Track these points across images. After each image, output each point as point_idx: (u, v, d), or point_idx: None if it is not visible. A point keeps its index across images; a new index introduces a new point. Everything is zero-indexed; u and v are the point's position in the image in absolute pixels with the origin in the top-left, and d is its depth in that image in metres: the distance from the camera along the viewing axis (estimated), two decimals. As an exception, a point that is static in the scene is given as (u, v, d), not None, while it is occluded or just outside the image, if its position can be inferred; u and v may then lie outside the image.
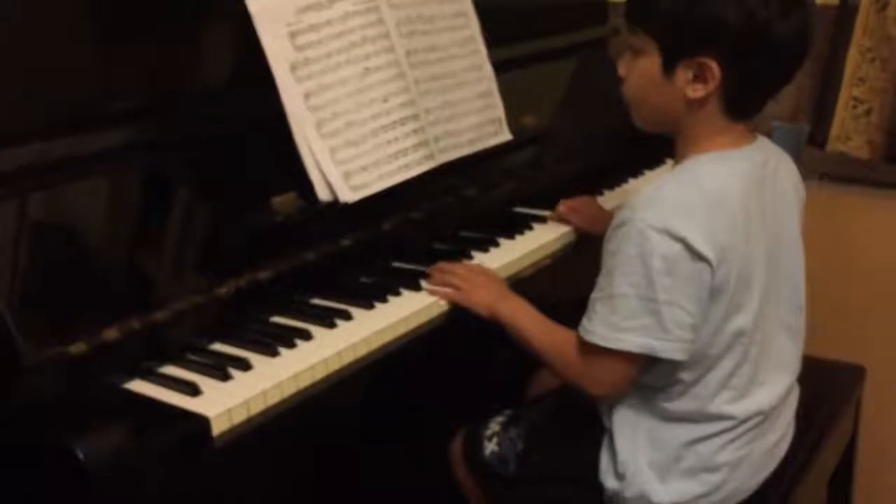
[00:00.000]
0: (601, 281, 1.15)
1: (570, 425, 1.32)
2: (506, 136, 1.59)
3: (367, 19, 1.39)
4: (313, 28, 1.32)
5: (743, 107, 1.16)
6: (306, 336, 1.18)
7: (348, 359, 1.17)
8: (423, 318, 1.27)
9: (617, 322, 1.12)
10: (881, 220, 1.95)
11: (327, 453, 1.45)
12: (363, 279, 1.35)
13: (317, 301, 1.28)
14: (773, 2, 1.08)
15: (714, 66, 1.10)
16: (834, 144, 1.88)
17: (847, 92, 1.85)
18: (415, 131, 1.44)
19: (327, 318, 1.22)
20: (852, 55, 1.83)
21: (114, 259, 1.14)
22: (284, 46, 1.28)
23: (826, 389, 1.53)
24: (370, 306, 1.26)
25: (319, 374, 1.13)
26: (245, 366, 1.11)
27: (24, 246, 1.06)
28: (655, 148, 1.79)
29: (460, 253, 1.42)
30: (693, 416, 1.20)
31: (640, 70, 1.17)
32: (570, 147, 1.77)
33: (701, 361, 1.17)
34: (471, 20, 1.56)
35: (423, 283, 1.32)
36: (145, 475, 0.98)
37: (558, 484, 1.31)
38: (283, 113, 1.28)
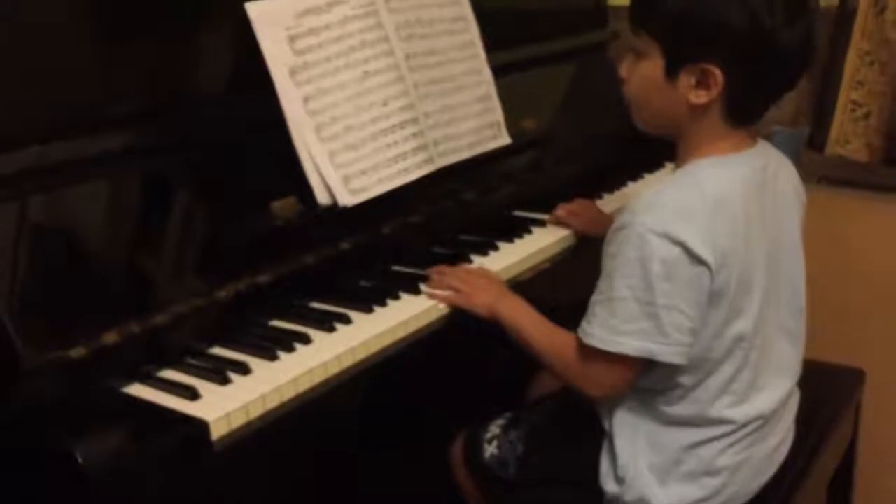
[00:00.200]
0: (601, 284, 1.15)
1: (570, 428, 1.32)
2: (505, 139, 1.60)
3: (367, 23, 1.39)
4: (312, 32, 1.32)
5: (745, 113, 1.16)
6: (305, 340, 1.18)
7: (347, 363, 1.17)
8: (423, 322, 1.27)
9: (616, 325, 1.12)
10: (880, 224, 1.95)
11: (326, 457, 1.45)
12: (362, 283, 1.35)
13: (316, 305, 1.28)
14: (779, 9, 1.08)
15: (717, 72, 1.10)
16: (833, 148, 1.88)
17: (846, 95, 1.85)
18: (414, 135, 1.44)
19: (326, 322, 1.22)
20: (851, 58, 1.83)
21: (113, 263, 1.14)
22: (283, 50, 1.28)
23: (826, 393, 1.53)
24: (369, 310, 1.26)
25: (318, 379, 1.13)
26: (244, 370, 1.11)
27: (24, 249, 1.06)
28: (655, 151, 1.79)
29: (459, 257, 1.42)
30: (693, 421, 1.20)
31: (642, 73, 1.16)
32: (570, 151, 1.77)
33: (701, 366, 1.17)
34: (470, 24, 1.56)
35: (423, 287, 1.32)
36: (144, 479, 0.98)
37: (558, 487, 1.31)
38: (283, 117, 1.28)
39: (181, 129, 1.24)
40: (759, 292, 1.17)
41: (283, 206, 1.30)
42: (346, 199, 1.33)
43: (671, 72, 1.13)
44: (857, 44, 1.82)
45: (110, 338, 1.06)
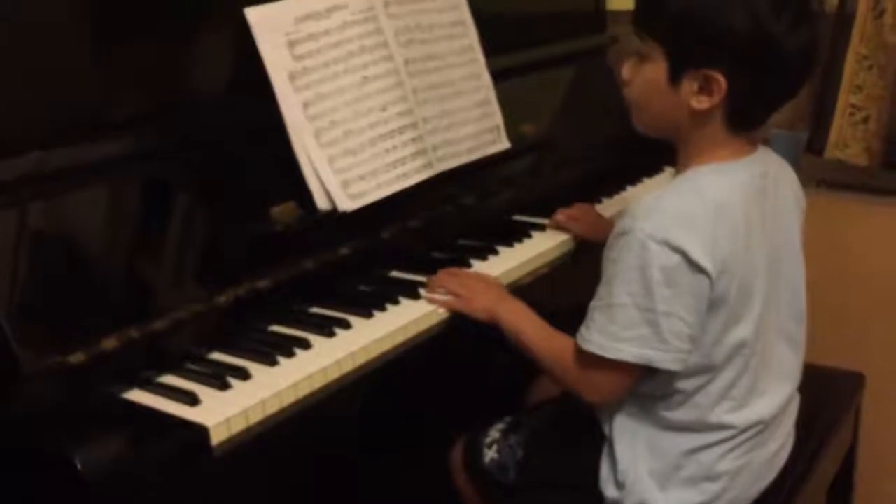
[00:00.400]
0: (601, 290, 1.15)
1: (569, 433, 1.32)
2: (504, 144, 1.60)
3: (366, 29, 1.39)
4: (312, 37, 1.32)
5: (747, 120, 1.15)
6: (305, 345, 1.18)
7: (347, 368, 1.17)
8: (422, 327, 1.27)
9: (615, 332, 1.12)
10: (879, 227, 1.95)
11: (326, 462, 1.45)
12: (362, 288, 1.35)
13: (315, 310, 1.28)
14: (785, 17, 1.08)
15: (721, 78, 1.09)
16: (832, 151, 1.88)
17: (845, 99, 1.85)
18: (413, 140, 1.44)
19: (326, 327, 1.22)
20: (849, 62, 1.83)
21: (112, 268, 1.15)
22: (283, 56, 1.29)
23: (825, 397, 1.53)
24: (369, 315, 1.26)
25: (318, 384, 1.13)
26: (244, 375, 1.11)
27: (24, 255, 1.06)
28: (654, 156, 1.80)
29: (459, 261, 1.42)
30: (693, 426, 1.19)
31: (644, 76, 1.16)
32: (569, 155, 1.78)
33: (702, 371, 1.17)
34: (469, 29, 1.56)
35: (423, 292, 1.32)
36: (144, 485, 0.98)
37: (558, 491, 1.31)
38: (282, 122, 1.28)
39: (181, 134, 1.24)
40: (759, 298, 1.17)
41: (283, 212, 1.30)
42: (346, 204, 1.33)
43: (674, 76, 1.13)
44: (856, 48, 1.83)
45: (110, 343, 1.06)
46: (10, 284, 1.03)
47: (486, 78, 1.58)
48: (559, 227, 1.55)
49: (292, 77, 1.29)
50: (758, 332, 1.18)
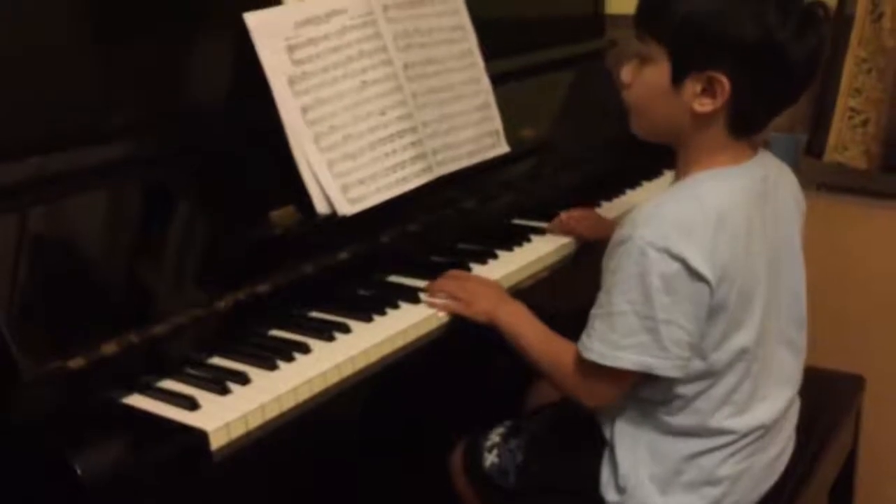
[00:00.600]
0: (601, 298, 1.15)
1: (569, 437, 1.32)
2: (503, 148, 1.60)
3: (365, 33, 1.39)
4: (311, 42, 1.32)
5: (748, 124, 1.15)
6: (305, 349, 1.18)
7: (347, 372, 1.17)
8: (422, 331, 1.27)
9: (615, 340, 1.12)
10: (879, 230, 1.95)
11: (326, 466, 1.45)
12: (361, 292, 1.36)
13: (315, 314, 1.28)
14: (791, 23, 1.08)
15: (725, 80, 1.09)
16: (831, 155, 1.88)
17: (844, 102, 1.85)
18: (412, 144, 1.44)
19: (326, 332, 1.22)
20: (848, 66, 1.84)
21: (112, 273, 1.15)
22: (282, 60, 1.29)
23: (826, 400, 1.53)
24: (369, 319, 1.26)
25: (318, 388, 1.13)
26: (244, 379, 1.11)
27: (23, 260, 1.06)
28: (653, 159, 1.80)
29: (459, 265, 1.42)
30: (694, 431, 1.19)
31: (646, 79, 1.15)
32: (568, 159, 1.78)
33: (703, 377, 1.17)
34: (468, 33, 1.56)
35: (423, 296, 1.32)
36: (143, 489, 0.98)
37: (558, 495, 1.31)
38: (282, 126, 1.28)
39: (180, 138, 1.24)
40: (760, 303, 1.17)
41: (282, 216, 1.30)
42: (345, 209, 1.33)
43: (677, 78, 1.12)
44: (855, 51, 1.83)
45: (109, 348, 1.06)
46: (9, 289, 1.03)
47: (486, 82, 1.58)
48: (562, 230, 1.55)
49: (291, 82, 1.29)
50: (759, 337, 1.18)
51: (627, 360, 1.12)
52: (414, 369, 1.26)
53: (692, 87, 1.11)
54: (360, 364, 1.18)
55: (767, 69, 1.09)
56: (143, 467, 0.98)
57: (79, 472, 0.92)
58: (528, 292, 1.42)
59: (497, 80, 1.60)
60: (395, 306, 1.30)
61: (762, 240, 1.17)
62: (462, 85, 1.54)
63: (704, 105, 1.12)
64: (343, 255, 1.33)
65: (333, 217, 1.32)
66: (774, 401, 1.24)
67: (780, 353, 1.25)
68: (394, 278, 1.40)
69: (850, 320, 1.96)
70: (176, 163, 1.23)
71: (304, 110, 1.30)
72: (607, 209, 1.71)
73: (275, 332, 1.24)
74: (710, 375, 1.17)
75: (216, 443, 1.02)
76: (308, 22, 1.32)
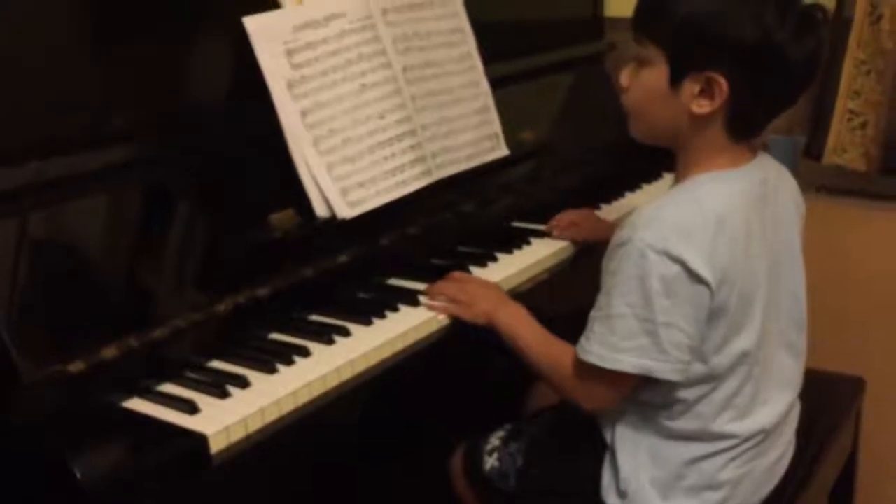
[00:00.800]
0: (600, 300, 1.15)
1: (570, 440, 1.32)
2: (503, 151, 1.60)
3: (364, 37, 1.39)
4: (310, 46, 1.32)
5: (746, 126, 1.15)
6: (304, 353, 1.18)
7: (346, 375, 1.17)
8: (422, 334, 1.27)
9: (615, 343, 1.12)
10: (878, 232, 1.95)
11: (326, 470, 1.45)
12: (361, 295, 1.36)
13: (315, 318, 1.28)
14: (790, 24, 1.08)
15: (723, 81, 1.09)
16: (830, 157, 1.88)
17: (843, 104, 1.86)
18: (412, 147, 1.44)
19: (325, 335, 1.22)
20: (847, 68, 1.84)
21: (112, 277, 1.15)
22: (281, 64, 1.29)
23: (826, 402, 1.53)
24: (368, 322, 1.26)
25: (317, 391, 1.13)
26: (243, 383, 1.11)
27: (23, 264, 1.06)
28: (653, 162, 1.80)
29: (458, 268, 1.42)
30: (695, 435, 1.19)
31: (644, 81, 1.15)
32: (568, 162, 1.78)
33: (704, 381, 1.16)
34: (467, 36, 1.56)
35: (423, 298, 1.32)
36: (143, 493, 0.98)
37: (558, 499, 1.31)
38: (281, 130, 1.28)
39: (180, 142, 1.24)
40: (760, 307, 1.17)
41: (282, 219, 1.30)
42: (345, 212, 1.33)
43: (675, 79, 1.12)
44: (854, 53, 1.83)
45: (109, 352, 1.06)
46: (9, 293, 1.03)
47: (485, 85, 1.58)
48: (560, 235, 1.55)
49: (290, 85, 1.29)
50: (760, 341, 1.18)
51: (627, 362, 1.12)
52: (413, 372, 1.26)
53: (690, 88, 1.11)
54: (360, 367, 1.18)
55: (766, 70, 1.09)
56: (143, 471, 0.98)
57: (78, 475, 0.92)
58: (528, 295, 1.43)
59: (496, 83, 1.60)
60: (395, 309, 1.30)
61: (762, 243, 1.17)
62: (461, 88, 1.54)
63: (703, 106, 1.11)
64: (342, 259, 1.33)
65: (333, 220, 1.32)
66: (775, 405, 1.24)
67: (780, 357, 1.25)
68: (393, 281, 1.40)
69: (849, 322, 1.96)
70: (175, 166, 1.23)
71: (304, 114, 1.30)
72: (607, 212, 1.71)
73: (274, 336, 1.24)
74: (712, 379, 1.17)
75: (216, 446, 1.02)
76: (307, 26, 1.33)
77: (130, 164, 1.18)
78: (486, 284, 1.37)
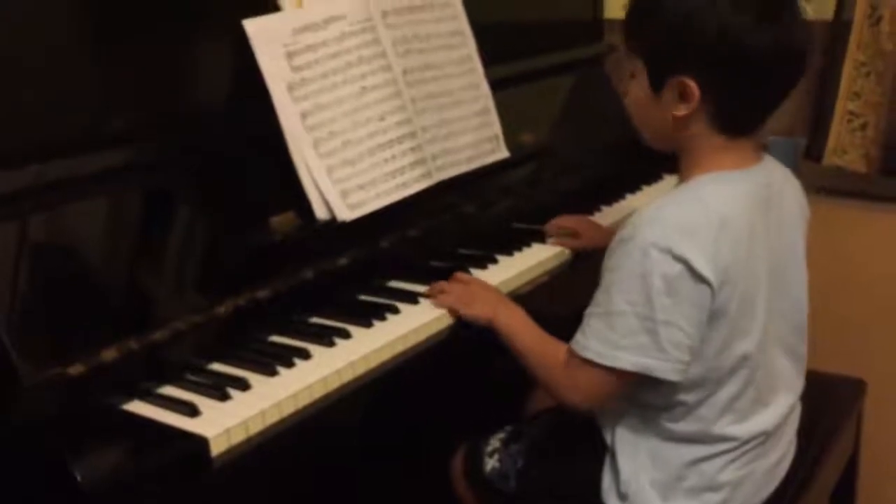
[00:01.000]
0: (599, 296, 1.15)
1: (570, 442, 1.32)
2: (503, 153, 1.60)
3: (363, 39, 1.40)
4: (310, 48, 1.33)
5: (735, 124, 1.15)
6: (305, 355, 1.18)
7: (347, 378, 1.17)
8: (422, 336, 1.27)
9: (614, 340, 1.12)
10: (879, 234, 1.95)
11: (327, 472, 1.45)
12: (361, 297, 1.36)
13: (315, 320, 1.28)
14: (747, 15, 1.08)
15: (692, 84, 1.10)
16: (830, 158, 1.88)
17: (843, 106, 1.86)
18: (412, 149, 1.44)
19: (326, 337, 1.22)
20: (847, 69, 1.84)
21: (112, 280, 1.15)
22: (281, 66, 1.29)
23: (826, 404, 1.53)
24: (369, 325, 1.26)
25: (318, 394, 1.13)
26: (244, 386, 1.11)
27: (23, 267, 1.06)
28: (653, 163, 1.80)
29: (458, 270, 1.42)
30: (696, 437, 1.19)
31: (634, 91, 1.18)
32: (568, 163, 1.78)
33: (704, 384, 1.16)
34: (467, 39, 1.57)
35: (424, 292, 1.32)
36: (143, 496, 0.98)
37: (558, 501, 1.31)
38: (281, 132, 1.29)
39: (180, 145, 1.24)
40: (762, 310, 1.17)
41: (282, 222, 1.30)
42: (345, 214, 1.33)
43: (655, 87, 1.14)
44: (853, 55, 1.83)
45: (109, 354, 1.06)
46: (9, 296, 1.03)
47: (485, 87, 1.58)
48: (559, 243, 1.55)
49: (290, 88, 1.30)
50: (761, 344, 1.17)
51: (626, 360, 1.12)
52: (414, 374, 1.26)
53: (669, 94, 1.13)
54: (361, 369, 1.18)
55: (729, 65, 1.10)
56: (143, 473, 0.97)
57: (79, 478, 0.92)
58: (528, 297, 1.42)
59: (496, 85, 1.60)
60: (396, 311, 1.30)
61: (765, 245, 1.16)
62: (461, 90, 1.54)
63: (680, 110, 1.13)
64: (343, 261, 1.33)
65: (333, 222, 1.33)
66: (776, 407, 1.24)
67: (781, 360, 1.24)
68: (394, 283, 1.40)
69: (850, 324, 1.96)
70: (176, 168, 1.23)
71: (304, 116, 1.30)
72: (607, 214, 1.71)
73: (275, 338, 1.24)
74: (713, 382, 1.17)
75: (216, 449, 1.02)
76: (307, 28, 1.33)
77: (130, 166, 1.18)
78: (487, 286, 1.37)
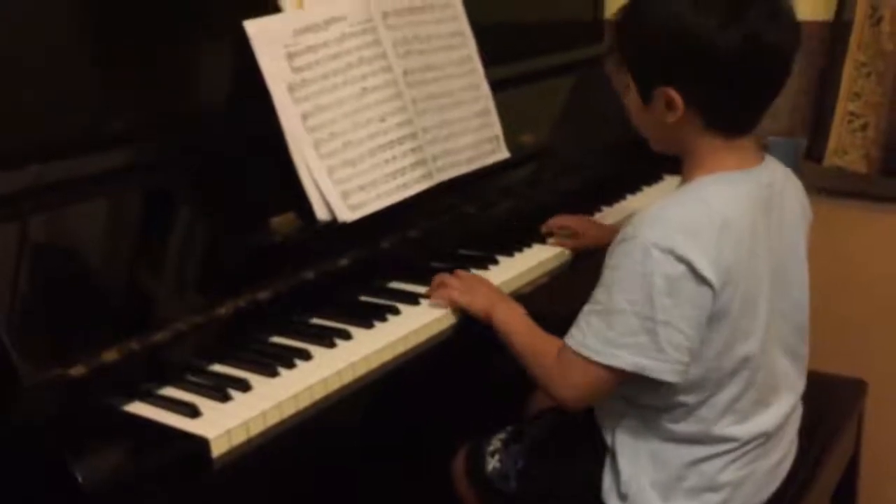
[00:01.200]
0: (598, 294, 1.15)
1: (571, 443, 1.32)
2: (503, 154, 1.60)
3: (364, 40, 1.40)
4: (310, 49, 1.33)
5: (728, 124, 1.15)
6: (306, 356, 1.18)
7: (348, 378, 1.17)
8: (423, 337, 1.27)
9: (612, 338, 1.12)
10: (879, 234, 1.95)
11: (327, 473, 1.45)
12: (362, 298, 1.36)
13: (316, 321, 1.28)
14: (713, 21, 1.08)
15: (673, 92, 1.11)
16: (831, 159, 1.88)
17: (843, 106, 1.86)
18: (412, 150, 1.44)
19: (327, 338, 1.22)
20: (848, 70, 1.84)
21: (113, 281, 1.15)
22: (282, 67, 1.29)
23: (827, 404, 1.53)
24: (369, 325, 1.26)
25: (319, 394, 1.13)
26: (244, 386, 1.11)
27: (24, 268, 1.06)
28: (654, 164, 1.80)
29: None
30: (696, 438, 1.19)
31: (630, 100, 1.20)
32: (568, 164, 1.78)
33: (705, 385, 1.16)
34: (467, 39, 1.57)
35: (423, 292, 1.33)
36: (144, 497, 0.98)
37: (559, 501, 1.31)
38: (282, 133, 1.29)
39: (180, 145, 1.24)
40: (764, 312, 1.16)
41: (283, 222, 1.30)
42: (345, 215, 1.33)
43: (644, 99, 1.16)
44: (854, 55, 1.83)
45: (110, 355, 1.06)
46: (10, 296, 1.03)
47: (485, 88, 1.58)
48: (560, 243, 1.55)
49: (291, 89, 1.30)
50: (762, 345, 1.17)
51: (623, 359, 1.12)
52: (415, 375, 1.26)
53: (657, 104, 1.14)
54: (361, 370, 1.18)
55: (702, 69, 1.10)
56: (144, 474, 0.97)
57: (80, 479, 0.92)
58: (528, 298, 1.42)
59: (497, 85, 1.60)
60: (396, 312, 1.30)
61: (766, 246, 1.16)
62: (462, 91, 1.54)
63: (669, 117, 1.14)
64: (343, 262, 1.34)
65: (334, 223, 1.33)
66: (777, 408, 1.24)
67: (782, 362, 1.24)
68: (394, 284, 1.40)
69: (851, 324, 1.96)
70: (176, 169, 1.23)
71: (304, 117, 1.31)
72: (607, 214, 1.71)
73: (276, 339, 1.24)
74: (713, 383, 1.17)
75: (217, 450, 1.02)
76: (307, 29, 1.33)
77: (131, 167, 1.19)
78: (488, 283, 1.37)
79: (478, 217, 1.57)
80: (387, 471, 1.50)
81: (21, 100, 1.10)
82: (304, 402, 1.11)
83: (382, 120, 1.41)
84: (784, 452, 1.29)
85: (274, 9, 1.32)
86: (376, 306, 1.31)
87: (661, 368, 1.11)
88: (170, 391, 1.10)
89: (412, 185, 1.43)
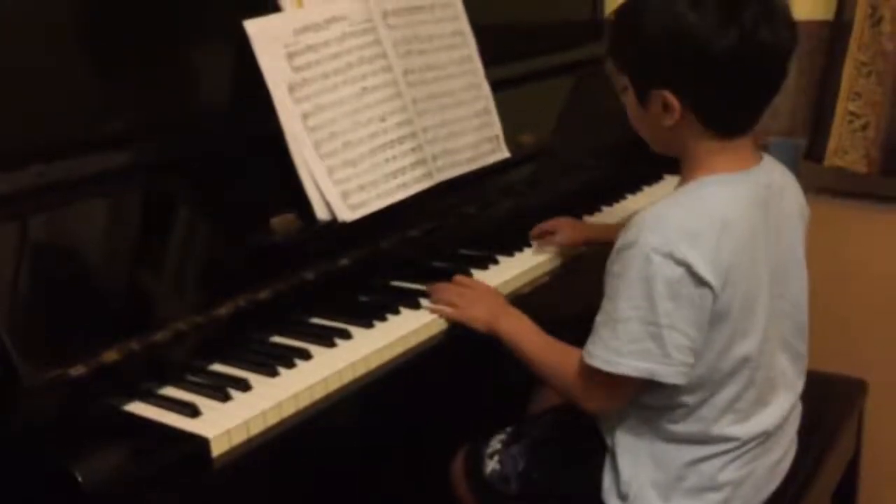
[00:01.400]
0: (605, 305, 1.15)
1: (570, 443, 1.32)
2: (504, 153, 1.60)
3: (364, 40, 1.40)
4: (311, 49, 1.33)
5: (726, 126, 1.15)
6: (306, 356, 1.18)
7: (348, 378, 1.17)
8: (423, 337, 1.27)
9: (618, 346, 1.12)
10: (880, 234, 1.95)
11: (327, 472, 1.45)
12: (362, 298, 1.36)
13: (316, 321, 1.28)
14: (708, 23, 1.08)
15: (669, 95, 1.11)
16: (831, 159, 1.88)
17: (843, 106, 1.86)
18: (413, 150, 1.44)
19: (327, 338, 1.22)
20: (848, 70, 1.84)
21: (113, 281, 1.15)
22: (282, 67, 1.29)
23: (828, 404, 1.53)
24: (370, 325, 1.26)
25: (319, 394, 1.13)
26: (245, 386, 1.11)
27: (24, 268, 1.06)
28: (653, 164, 1.80)
29: (459, 271, 1.42)
30: (696, 438, 1.19)
31: (628, 104, 1.20)
32: (568, 164, 1.78)
33: (705, 385, 1.16)
34: (468, 39, 1.57)
35: (423, 301, 1.32)
36: (145, 497, 0.98)
37: (559, 502, 1.31)
38: (282, 133, 1.29)
39: (180, 146, 1.24)
40: (763, 312, 1.17)
41: (283, 222, 1.30)
42: (346, 215, 1.33)
43: (642, 102, 1.16)
44: (854, 55, 1.83)
45: (110, 356, 1.06)
46: (10, 297, 1.03)
47: (486, 88, 1.58)
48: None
49: (291, 88, 1.30)
50: (761, 345, 1.17)
51: (631, 366, 1.12)
52: (415, 375, 1.26)
53: (654, 107, 1.14)
54: (361, 370, 1.18)
55: (699, 71, 1.10)
56: (145, 474, 0.97)
57: (80, 479, 0.92)
58: (529, 298, 1.42)
59: (497, 85, 1.60)
60: (396, 312, 1.30)
61: (765, 247, 1.16)
62: (462, 91, 1.54)
63: (667, 120, 1.14)
64: (343, 261, 1.33)
65: (334, 223, 1.32)
66: (777, 407, 1.24)
67: (781, 361, 1.24)
68: (395, 284, 1.40)
69: (851, 324, 1.96)
70: (176, 169, 1.23)
71: (304, 117, 1.30)
72: (607, 214, 1.71)
73: (276, 339, 1.24)
74: (713, 383, 1.17)
75: (217, 450, 1.02)
76: (307, 29, 1.33)
77: (131, 166, 1.18)
78: (486, 291, 1.37)
79: (478, 217, 1.57)
80: (387, 471, 1.50)
81: (21, 100, 1.10)
82: (305, 402, 1.11)
83: (383, 119, 1.41)
84: (784, 451, 1.29)
85: (274, 9, 1.32)
86: (376, 306, 1.31)
87: (668, 372, 1.12)
88: (170, 391, 1.11)
89: (412, 185, 1.43)
